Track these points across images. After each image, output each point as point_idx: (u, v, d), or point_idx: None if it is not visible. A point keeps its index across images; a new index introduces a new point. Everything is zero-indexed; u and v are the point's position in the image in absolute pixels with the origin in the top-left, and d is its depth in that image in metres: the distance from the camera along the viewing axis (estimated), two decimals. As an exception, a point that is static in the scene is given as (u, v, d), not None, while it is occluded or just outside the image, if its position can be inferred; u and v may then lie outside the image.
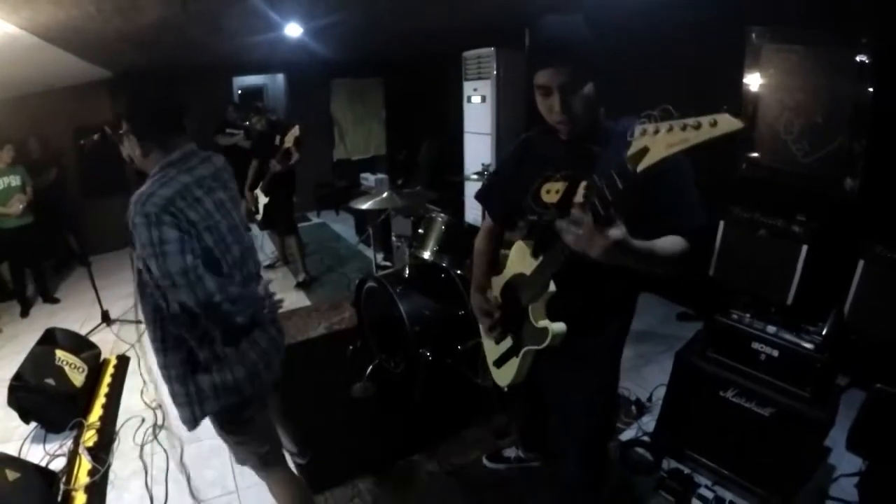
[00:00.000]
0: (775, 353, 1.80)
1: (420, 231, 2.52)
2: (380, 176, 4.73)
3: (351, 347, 2.94)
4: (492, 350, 1.48)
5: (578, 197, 1.10)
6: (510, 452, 2.07)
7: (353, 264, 4.75)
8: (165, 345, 1.32)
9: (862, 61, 2.40)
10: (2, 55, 2.99)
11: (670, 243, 1.04)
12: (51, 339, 2.94)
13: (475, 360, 2.42)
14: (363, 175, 5.02)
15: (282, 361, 1.56)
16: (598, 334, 1.29)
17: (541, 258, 1.18)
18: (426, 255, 2.45)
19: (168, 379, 1.35)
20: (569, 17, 1.08)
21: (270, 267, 4.75)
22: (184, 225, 1.19)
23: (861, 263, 2.30)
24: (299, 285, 4.25)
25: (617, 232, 0.88)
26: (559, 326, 1.17)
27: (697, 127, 0.72)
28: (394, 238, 2.89)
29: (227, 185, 1.41)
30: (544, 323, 1.19)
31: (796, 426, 1.73)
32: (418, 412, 2.39)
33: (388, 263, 4.31)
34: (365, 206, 2.71)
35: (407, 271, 2.52)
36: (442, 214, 2.47)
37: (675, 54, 3.01)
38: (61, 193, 4.89)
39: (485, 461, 2.09)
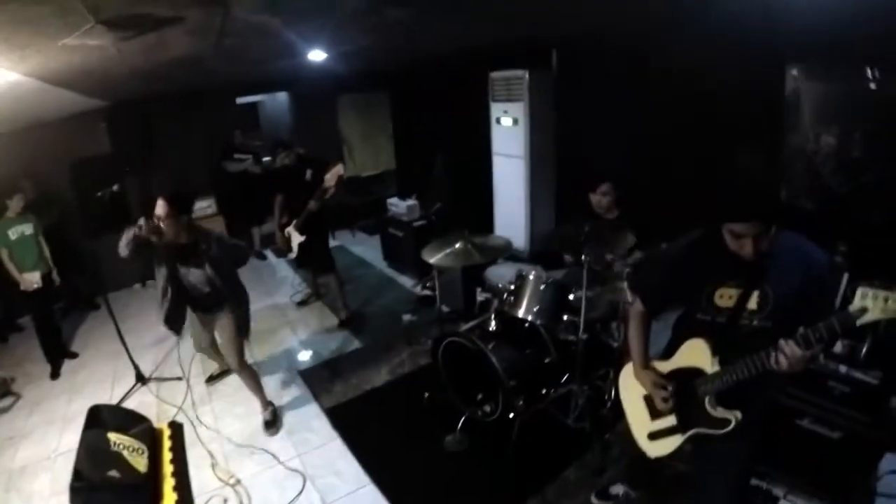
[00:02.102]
0: (847, 388, 2.29)
1: (511, 286, 2.82)
2: (410, 202, 4.99)
3: (426, 395, 3.21)
4: (644, 424, 1.86)
5: (752, 304, 1.52)
6: (617, 489, 2.46)
7: (390, 294, 4.98)
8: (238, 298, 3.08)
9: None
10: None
11: None
12: (97, 420, 2.86)
13: (565, 403, 2.82)
14: (390, 201, 5.26)
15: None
16: (759, 410, 1.67)
17: (724, 360, 1.55)
18: (520, 313, 2.75)
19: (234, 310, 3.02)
20: (765, 170, 1.47)
21: (303, 304, 4.91)
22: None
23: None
24: (343, 324, 4.41)
25: (818, 351, 1.31)
26: (739, 414, 1.55)
27: None
28: (478, 292, 3.21)
29: None
30: (724, 412, 1.56)
31: (860, 445, 2.24)
32: (517, 459, 2.70)
33: (427, 293, 4.65)
34: (435, 259, 2.97)
35: (492, 325, 2.87)
36: (533, 272, 2.79)
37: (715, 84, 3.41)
38: (61, 232, 4.82)
39: (593, 500, 2.47)
